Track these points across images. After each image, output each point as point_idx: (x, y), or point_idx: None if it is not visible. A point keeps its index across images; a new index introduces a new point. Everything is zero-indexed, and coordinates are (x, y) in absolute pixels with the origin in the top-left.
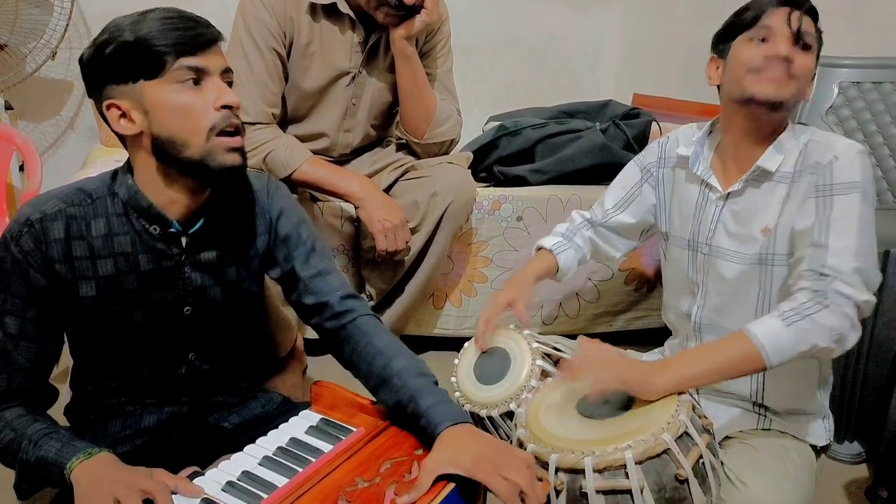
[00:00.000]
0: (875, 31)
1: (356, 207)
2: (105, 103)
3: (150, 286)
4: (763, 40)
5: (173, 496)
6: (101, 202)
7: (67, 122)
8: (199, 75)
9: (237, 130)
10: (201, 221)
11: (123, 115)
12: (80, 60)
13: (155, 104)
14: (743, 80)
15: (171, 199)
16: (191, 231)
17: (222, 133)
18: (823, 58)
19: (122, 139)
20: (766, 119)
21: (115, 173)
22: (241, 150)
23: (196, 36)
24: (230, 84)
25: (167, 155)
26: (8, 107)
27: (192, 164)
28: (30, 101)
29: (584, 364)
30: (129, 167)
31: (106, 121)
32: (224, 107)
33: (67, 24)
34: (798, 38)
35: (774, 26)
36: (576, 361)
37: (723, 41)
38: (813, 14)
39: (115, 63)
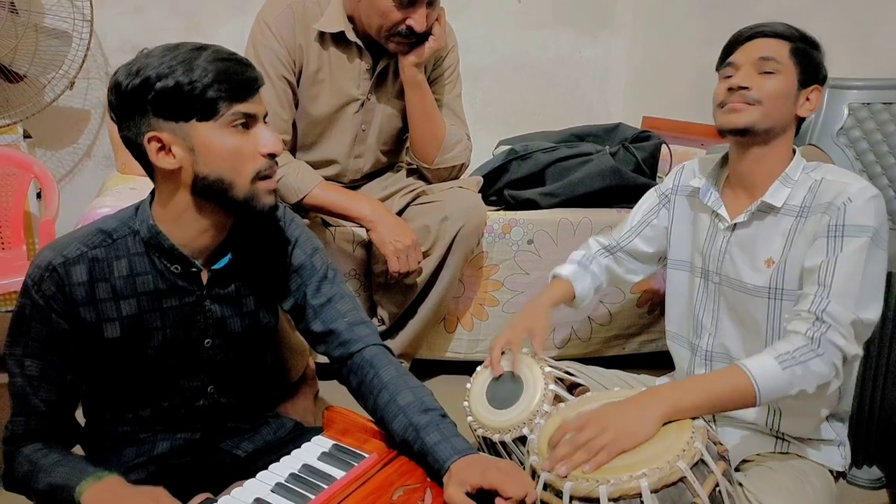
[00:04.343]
0: (883, 52)
1: (367, 230)
2: (147, 135)
3: (173, 323)
4: (730, 76)
5: None
6: (121, 242)
7: (84, 150)
8: (248, 120)
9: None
10: (227, 258)
11: (163, 148)
12: (119, 88)
13: (205, 145)
14: (715, 114)
15: (197, 233)
16: (215, 267)
17: (264, 177)
18: (831, 79)
19: (151, 171)
20: (750, 144)
21: (136, 209)
22: (276, 191)
23: (247, 81)
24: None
25: (210, 192)
26: (26, 135)
27: (237, 203)
28: (48, 130)
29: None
30: (150, 201)
31: (131, 146)
32: (269, 154)
33: (86, 55)
34: (759, 66)
35: (737, 61)
36: (562, 452)
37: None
38: (785, 36)
39: (166, 101)
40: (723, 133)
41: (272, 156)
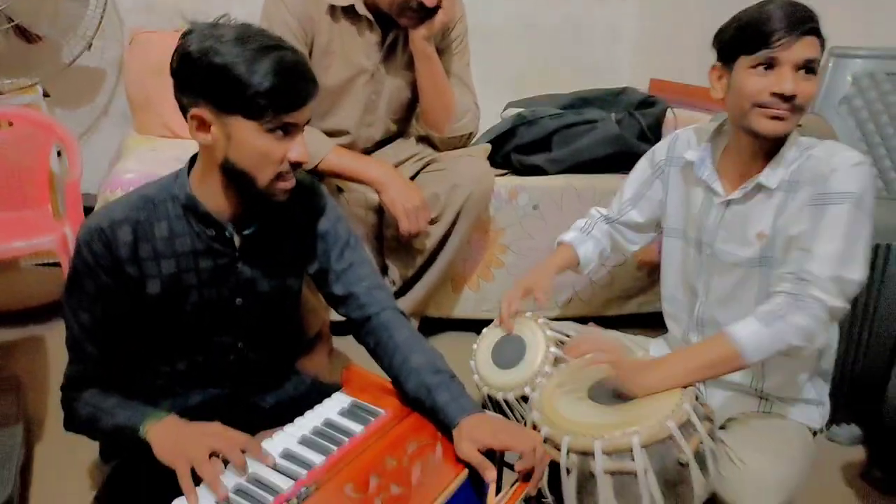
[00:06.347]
0: (889, 21)
1: (378, 192)
2: (190, 112)
3: (207, 282)
4: (768, 67)
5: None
6: (162, 206)
7: (102, 108)
8: (288, 128)
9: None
10: (255, 226)
11: (202, 124)
12: (189, 57)
13: (239, 139)
14: (748, 113)
15: (226, 204)
16: (244, 233)
17: (285, 178)
18: (836, 48)
19: None
20: (770, 141)
21: (175, 176)
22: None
23: (301, 95)
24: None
25: (234, 176)
26: (45, 94)
27: (255, 192)
28: (65, 89)
29: (586, 344)
30: (190, 165)
31: (182, 110)
32: (294, 163)
33: (102, 16)
34: (801, 66)
35: (781, 59)
36: (578, 341)
37: (725, 52)
38: (817, 32)
39: (219, 91)
40: (752, 133)
41: (298, 164)
